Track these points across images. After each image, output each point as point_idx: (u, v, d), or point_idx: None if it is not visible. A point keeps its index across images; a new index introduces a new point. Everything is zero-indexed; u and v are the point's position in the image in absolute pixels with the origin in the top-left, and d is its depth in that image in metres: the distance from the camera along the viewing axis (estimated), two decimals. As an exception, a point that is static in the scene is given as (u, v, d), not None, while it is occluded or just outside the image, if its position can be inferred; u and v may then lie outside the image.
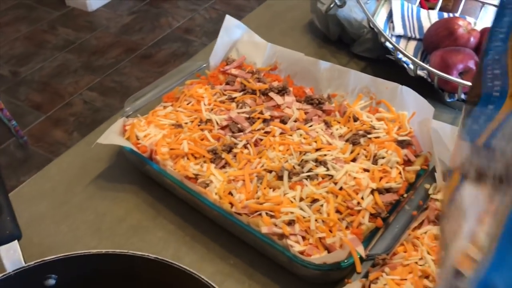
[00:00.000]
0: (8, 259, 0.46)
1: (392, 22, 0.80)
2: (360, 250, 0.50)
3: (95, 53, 2.35)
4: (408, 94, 0.63)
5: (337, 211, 0.54)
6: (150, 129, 0.64)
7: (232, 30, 0.76)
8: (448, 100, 0.73)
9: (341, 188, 0.56)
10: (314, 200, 0.55)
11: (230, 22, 0.75)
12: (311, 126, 0.64)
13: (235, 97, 0.69)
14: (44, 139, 1.96)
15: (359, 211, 0.54)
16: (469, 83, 0.67)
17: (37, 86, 2.19)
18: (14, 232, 0.48)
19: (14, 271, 0.45)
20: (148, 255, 0.47)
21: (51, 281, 0.47)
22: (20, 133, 1.84)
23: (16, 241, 0.48)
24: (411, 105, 0.63)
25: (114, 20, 2.56)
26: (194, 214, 0.60)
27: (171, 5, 2.65)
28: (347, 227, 0.53)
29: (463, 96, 0.72)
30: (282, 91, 0.69)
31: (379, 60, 0.82)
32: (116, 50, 2.37)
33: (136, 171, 0.66)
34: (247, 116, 0.66)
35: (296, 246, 0.51)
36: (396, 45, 0.71)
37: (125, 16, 2.58)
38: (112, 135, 0.62)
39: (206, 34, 2.41)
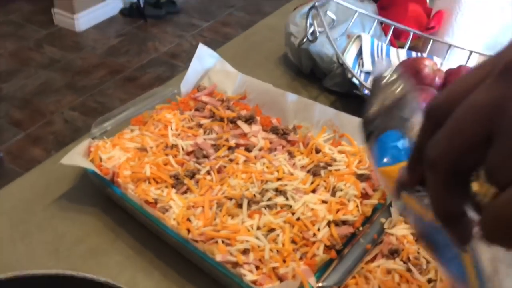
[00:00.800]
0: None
1: (361, 58, 0.83)
2: (312, 281, 0.50)
3: (80, 73, 2.36)
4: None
5: (293, 241, 0.55)
6: (115, 151, 0.64)
7: (205, 58, 0.78)
8: (412, 136, 0.75)
9: (298, 219, 0.56)
10: (271, 230, 0.56)
11: (203, 50, 0.77)
12: (275, 155, 0.65)
13: (203, 124, 0.70)
14: (21, 156, 1.95)
15: (314, 242, 0.54)
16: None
17: (18, 103, 2.18)
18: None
19: (-41, 289, 0.44)
20: (98, 279, 0.47)
21: (-2, 301, 0.47)
22: (-4, 149, 1.83)
23: (-35, 258, 0.47)
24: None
25: (101, 41, 2.58)
26: (153, 239, 0.60)
27: (159, 30, 2.68)
28: (301, 258, 0.53)
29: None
30: (249, 120, 0.70)
31: (348, 95, 0.84)
32: (101, 71, 2.38)
33: (99, 193, 0.66)
34: (213, 143, 0.67)
35: (249, 275, 0.51)
36: (362, 81, 0.73)
37: (112, 38, 2.61)
38: (75, 156, 0.62)
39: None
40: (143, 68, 2.41)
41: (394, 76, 0.39)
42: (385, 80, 0.39)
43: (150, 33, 2.66)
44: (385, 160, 0.38)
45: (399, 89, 0.39)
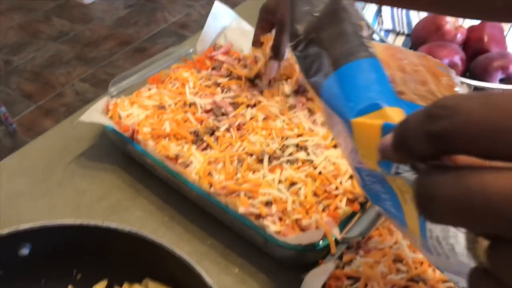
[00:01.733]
0: (-19, 227, 0.46)
1: (381, 16, 0.81)
2: (336, 232, 0.50)
3: (89, 44, 2.35)
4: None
5: (315, 195, 0.54)
6: (133, 109, 0.64)
7: (221, 16, 0.76)
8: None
9: (320, 173, 0.56)
10: (293, 184, 0.55)
11: (219, 8, 0.76)
12: (295, 113, 0.65)
13: (220, 83, 0.69)
14: (33, 128, 1.96)
15: (336, 195, 0.54)
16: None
17: (29, 76, 2.18)
18: (-11, 201, 0.48)
19: (-14, 238, 0.44)
20: (122, 228, 0.47)
21: (25, 251, 0.47)
22: (9, 121, 1.84)
23: (-10, 209, 0.48)
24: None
25: (110, 12, 2.56)
26: (174, 195, 0.60)
27: (168, 0, 2.65)
28: (323, 210, 0.53)
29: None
30: (267, 78, 0.69)
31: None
32: (110, 43, 2.37)
33: (117, 151, 0.66)
34: (232, 101, 0.66)
35: (272, 227, 0.51)
36: (383, 37, 0.72)
37: (121, 9, 2.58)
38: (94, 114, 0.62)
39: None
40: (153, 39, 2.39)
41: None
42: None
43: (159, 3, 2.63)
44: (359, 107, 0.29)
45: None
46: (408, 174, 0.26)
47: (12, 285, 0.47)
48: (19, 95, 2.08)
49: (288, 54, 0.66)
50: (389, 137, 0.23)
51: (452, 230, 0.26)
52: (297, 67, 0.33)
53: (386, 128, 0.26)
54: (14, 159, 0.66)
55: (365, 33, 0.32)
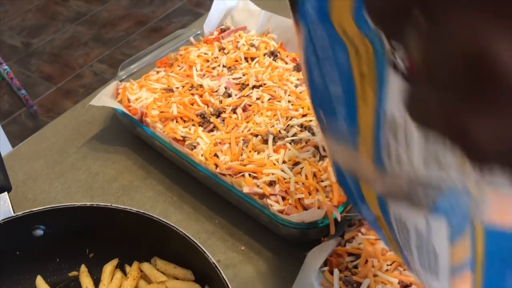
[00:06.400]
0: (-2, 209, 0.49)
1: None
2: (336, 212, 0.51)
3: (106, 25, 2.37)
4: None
5: (315, 176, 0.55)
6: (142, 92, 0.66)
7: (228, -2, 0.77)
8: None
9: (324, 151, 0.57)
10: (297, 163, 0.56)
11: (225, -11, 0.76)
12: (300, 93, 0.65)
13: (226, 64, 0.70)
14: (54, 109, 2.00)
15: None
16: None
17: (48, 58, 2.22)
18: (4, 184, 0.51)
19: (3, 220, 0.47)
20: (130, 209, 0.49)
21: (39, 232, 0.49)
22: (30, 103, 1.88)
23: (6, 192, 0.50)
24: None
25: (125, -8, 2.56)
26: (182, 175, 0.62)
27: (182, -22, 2.64)
28: (325, 188, 0.54)
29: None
30: (272, 57, 0.69)
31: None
32: (126, 23, 2.38)
33: (128, 134, 0.67)
34: (238, 82, 0.67)
35: (276, 206, 0.52)
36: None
37: (136, -12, 2.58)
38: (104, 98, 0.63)
39: (217, 8, 2.41)
40: (168, 18, 2.39)
41: None
42: None
43: (173, -19, 2.62)
44: None
45: None
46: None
47: (28, 264, 0.49)
48: (38, 77, 2.12)
49: None
50: None
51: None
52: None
53: None
54: (30, 142, 0.69)
55: None
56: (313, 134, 0.59)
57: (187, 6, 2.47)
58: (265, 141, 0.59)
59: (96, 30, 2.35)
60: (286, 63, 0.70)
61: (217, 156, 0.58)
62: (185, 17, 2.40)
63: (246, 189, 0.53)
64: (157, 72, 0.69)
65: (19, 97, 1.85)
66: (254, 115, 0.62)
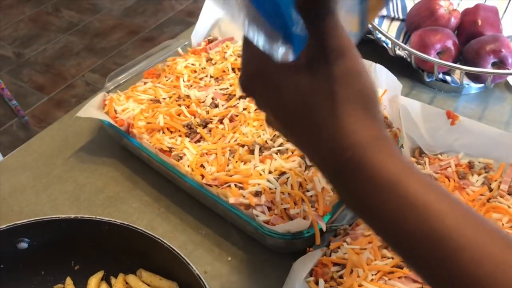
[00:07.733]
0: (-19, 222, 0.49)
1: (375, 2, 0.81)
2: (321, 222, 0.51)
3: (98, 35, 2.37)
4: (381, 72, 0.64)
5: (301, 186, 0.55)
6: (129, 103, 0.66)
7: (215, 8, 0.77)
8: (427, 79, 0.74)
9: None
10: (283, 173, 0.56)
11: (212, 0, 0.76)
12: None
13: (214, 75, 0.70)
14: (46, 120, 1.99)
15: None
16: (446, 63, 0.68)
17: (40, 68, 2.21)
18: (-12, 197, 0.50)
19: (-14, 233, 0.47)
20: (115, 221, 0.49)
21: (24, 244, 0.49)
22: (21, 113, 1.87)
23: (-11, 206, 0.50)
24: (383, 82, 0.64)
25: (118, 2, 2.57)
26: (169, 186, 0.62)
27: (174, -12, 2.65)
28: (311, 197, 0.54)
29: (440, 76, 0.72)
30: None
31: (363, 40, 0.82)
32: (118, 33, 2.38)
33: (115, 145, 0.67)
34: (225, 93, 0.67)
35: (262, 216, 0.52)
36: (374, 25, 0.72)
37: (128, -2, 2.59)
38: (91, 109, 0.63)
39: (208, 18, 2.42)
40: (160, 28, 2.40)
41: None
42: None
43: (166, -8, 2.63)
44: None
45: None
46: None
47: (13, 277, 0.49)
48: (30, 87, 2.12)
49: None
50: None
51: None
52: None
53: None
54: (17, 154, 0.68)
55: None
56: (299, 144, 0.59)
57: (179, 16, 2.48)
58: (252, 151, 0.59)
59: (89, 40, 2.35)
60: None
61: (204, 167, 0.58)
62: (177, 26, 2.41)
63: (232, 200, 0.54)
64: (145, 83, 0.70)
65: (11, 107, 1.85)
66: (241, 125, 0.63)
